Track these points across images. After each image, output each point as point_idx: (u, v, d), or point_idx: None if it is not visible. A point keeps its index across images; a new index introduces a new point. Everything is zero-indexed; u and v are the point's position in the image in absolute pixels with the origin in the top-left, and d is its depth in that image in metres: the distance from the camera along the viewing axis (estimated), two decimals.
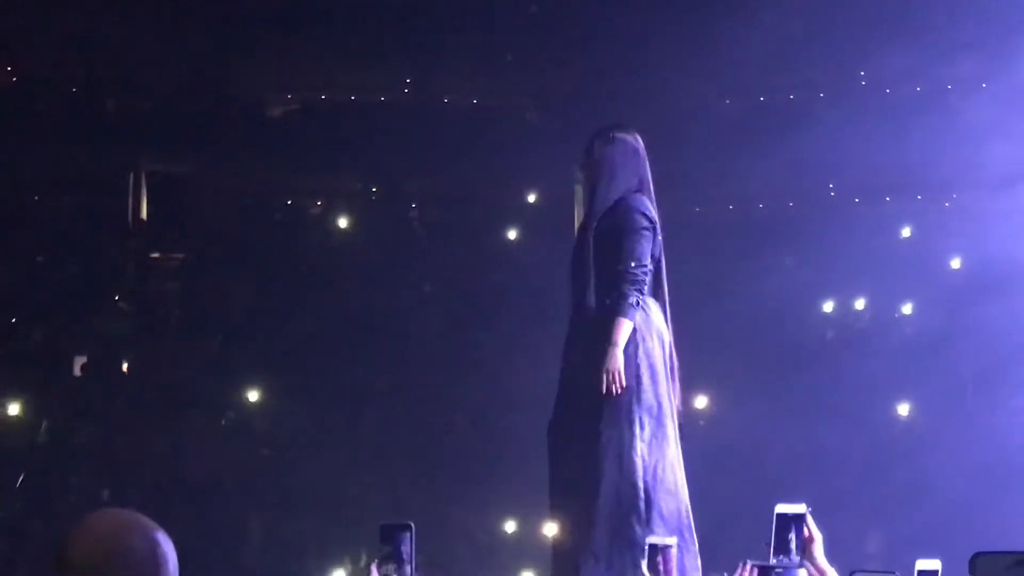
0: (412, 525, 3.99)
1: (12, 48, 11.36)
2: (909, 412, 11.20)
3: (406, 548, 3.98)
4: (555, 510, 6.42)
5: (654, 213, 6.36)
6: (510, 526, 10.52)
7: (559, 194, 10.19)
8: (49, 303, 11.11)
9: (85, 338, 11.17)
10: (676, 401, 6.37)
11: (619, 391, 6.14)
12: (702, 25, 10.42)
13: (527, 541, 10.04)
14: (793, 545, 4.15)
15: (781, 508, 4.17)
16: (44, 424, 10.44)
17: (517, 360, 10.50)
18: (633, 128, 6.54)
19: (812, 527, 4.19)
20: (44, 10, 10.88)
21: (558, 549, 6.43)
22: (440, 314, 11.19)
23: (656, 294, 6.38)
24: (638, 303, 6.23)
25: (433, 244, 11.68)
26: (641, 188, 6.41)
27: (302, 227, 12.01)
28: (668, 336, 6.38)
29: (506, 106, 12.03)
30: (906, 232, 11.78)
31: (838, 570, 4.19)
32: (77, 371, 11.10)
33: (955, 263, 11.41)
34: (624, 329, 6.17)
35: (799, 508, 4.18)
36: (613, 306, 6.21)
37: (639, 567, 4.42)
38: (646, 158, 6.46)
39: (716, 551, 6.31)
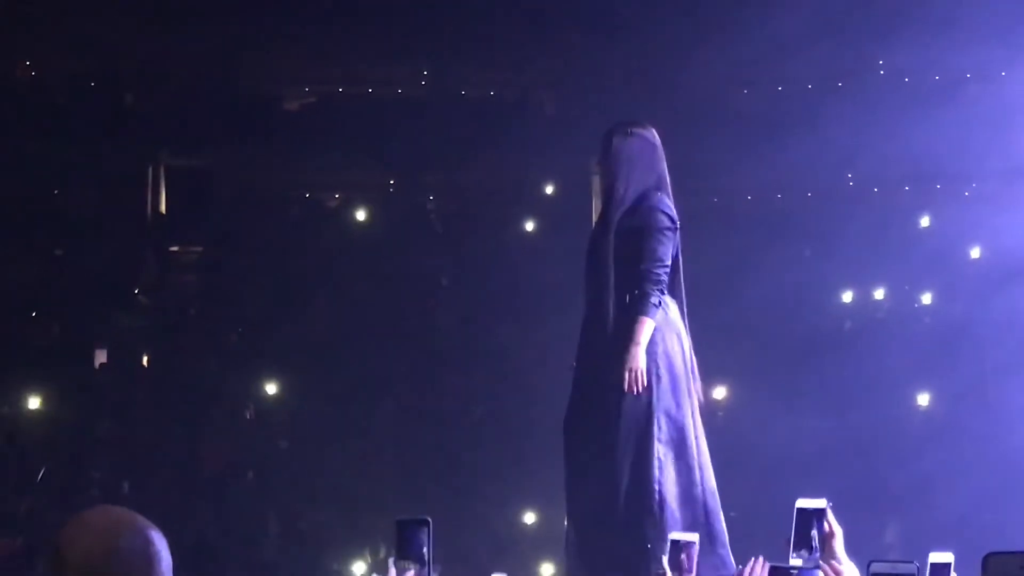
0: (429, 520, 3.98)
1: (31, 44, 11.38)
2: (929, 402, 11.17)
3: (423, 544, 3.98)
4: (571, 509, 6.39)
5: (675, 212, 6.34)
6: (529, 518, 10.52)
7: (576, 186, 10.19)
8: (69, 297, 11.14)
9: (105, 331, 11.20)
10: (699, 398, 6.34)
11: (640, 391, 6.13)
12: (719, 15, 10.38)
13: (546, 533, 10.03)
14: (815, 541, 4.10)
15: (802, 503, 4.13)
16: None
17: (535, 351, 10.50)
18: (649, 122, 6.51)
19: (832, 522, 4.15)
20: (63, 5, 10.90)
21: (573, 548, 6.40)
22: (458, 306, 11.19)
23: (673, 292, 6.36)
24: (660, 303, 6.21)
25: (450, 236, 11.68)
26: (660, 185, 6.37)
27: (320, 220, 12.03)
28: (686, 334, 6.36)
29: (523, 98, 12.01)
30: (925, 222, 11.74)
31: (857, 562, 4.15)
32: (97, 364, 11.14)
33: (974, 252, 11.37)
34: (647, 328, 6.15)
35: (819, 503, 4.14)
36: (635, 305, 6.19)
37: (659, 563, 4.39)
38: (663, 154, 6.43)
39: (734, 544, 6.29)
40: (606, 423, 6.21)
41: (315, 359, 10.92)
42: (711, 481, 6.27)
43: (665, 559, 4.26)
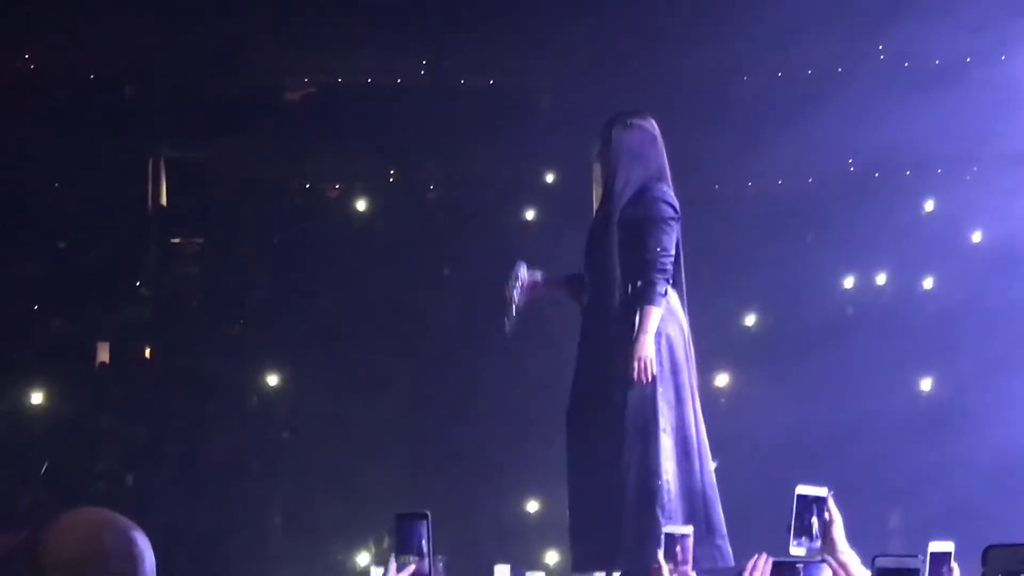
0: (428, 514, 3.98)
1: (31, 37, 11.37)
2: (931, 388, 11.16)
3: (423, 537, 3.98)
4: (575, 499, 6.39)
5: (676, 202, 6.35)
6: (533, 506, 10.52)
7: (577, 175, 10.15)
8: (70, 290, 11.15)
9: (107, 324, 11.20)
10: (695, 387, 6.35)
11: (649, 379, 6.14)
12: (718, 3, 10.36)
13: (551, 522, 10.04)
14: (815, 529, 4.09)
15: (802, 489, 4.12)
16: None
17: (537, 342, 10.48)
18: (648, 111, 6.50)
19: (833, 509, 4.14)
20: None
21: (578, 539, 6.39)
22: (459, 296, 11.18)
23: (674, 281, 6.37)
24: (666, 292, 6.23)
25: (451, 226, 11.67)
26: (660, 175, 6.38)
27: (321, 211, 12.02)
28: (686, 323, 6.37)
29: (523, 87, 12.00)
30: (928, 206, 11.72)
31: (859, 551, 4.14)
32: (99, 357, 11.14)
33: (977, 237, 11.35)
34: (654, 317, 6.17)
35: (820, 491, 4.13)
36: (642, 294, 6.20)
37: (655, 557, 4.38)
38: (663, 144, 6.43)
39: (734, 534, 6.29)
40: (610, 413, 6.22)
41: (317, 350, 10.92)
42: (710, 471, 6.28)
43: (660, 552, 4.25)
